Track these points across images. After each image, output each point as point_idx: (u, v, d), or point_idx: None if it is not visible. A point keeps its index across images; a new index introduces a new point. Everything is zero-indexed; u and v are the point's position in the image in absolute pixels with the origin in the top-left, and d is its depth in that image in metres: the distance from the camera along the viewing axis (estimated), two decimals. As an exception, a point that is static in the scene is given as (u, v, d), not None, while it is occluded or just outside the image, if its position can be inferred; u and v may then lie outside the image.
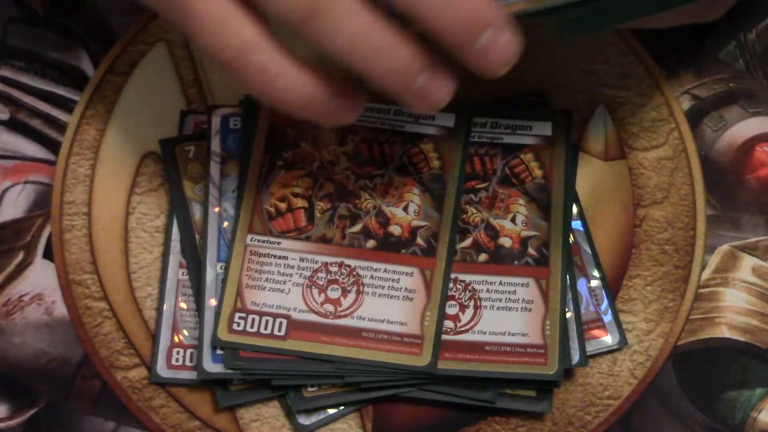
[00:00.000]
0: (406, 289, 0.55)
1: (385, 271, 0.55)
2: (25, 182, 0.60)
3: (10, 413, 0.57)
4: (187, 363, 0.56)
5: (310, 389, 0.56)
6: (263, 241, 0.56)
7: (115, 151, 0.60)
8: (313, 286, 0.55)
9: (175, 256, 0.58)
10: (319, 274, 0.55)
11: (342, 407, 0.56)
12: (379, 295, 0.55)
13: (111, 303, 0.58)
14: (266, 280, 0.55)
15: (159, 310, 0.57)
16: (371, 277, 0.55)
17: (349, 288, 0.55)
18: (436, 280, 0.55)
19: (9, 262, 0.59)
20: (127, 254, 0.58)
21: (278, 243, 0.56)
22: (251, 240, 0.56)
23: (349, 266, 0.55)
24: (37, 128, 0.61)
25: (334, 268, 0.55)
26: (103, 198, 0.59)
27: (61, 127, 0.60)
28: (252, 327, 0.54)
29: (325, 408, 0.56)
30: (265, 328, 0.54)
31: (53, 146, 0.60)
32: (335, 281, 0.55)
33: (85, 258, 0.58)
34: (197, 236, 0.57)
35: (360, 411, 0.57)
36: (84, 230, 0.59)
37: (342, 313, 0.55)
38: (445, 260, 0.55)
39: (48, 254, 0.59)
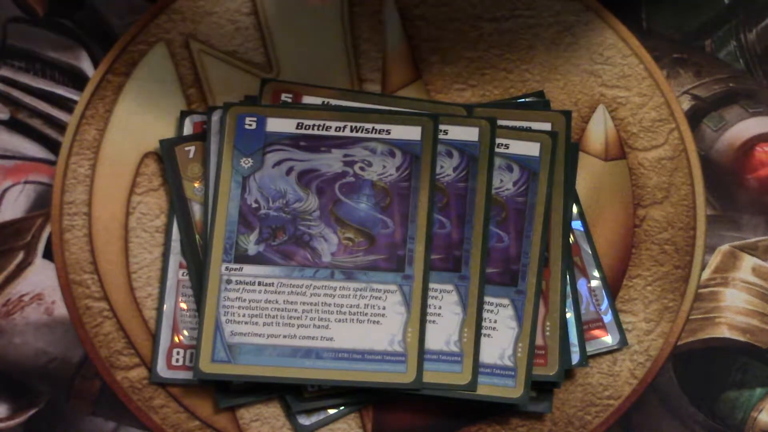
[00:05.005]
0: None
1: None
2: (25, 182, 0.60)
3: (10, 413, 0.57)
4: (187, 363, 0.56)
5: (310, 389, 0.56)
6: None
7: (115, 151, 0.60)
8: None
9: (175, 256, 0.58)
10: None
11: (342, 407, 0.56)
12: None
13: (111, 303, 0.58)
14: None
15: (159, 310, 0.57)
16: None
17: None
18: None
19: (9, 262, 0.59)
20: (127, 254, 0.58)
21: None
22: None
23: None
24: (37, 128, 0.61)
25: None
26: (103, 198, 0.59)
27: (61, 127, 0.60)
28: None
29: (325, 408, 0.56)
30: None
31: (53, 146, 0.60)
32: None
33: (85, 258, 0.58)
34: (197, 236, 0.57)
35: (360, 411, 0.57)
36: (84, 230, 0.59)
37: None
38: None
39: (48, 254, 0.59)
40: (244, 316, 0.55)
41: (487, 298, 0.55)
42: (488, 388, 0.54)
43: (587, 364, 0.56)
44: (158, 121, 0.60)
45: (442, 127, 0.57)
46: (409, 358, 0.54)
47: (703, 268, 0.59)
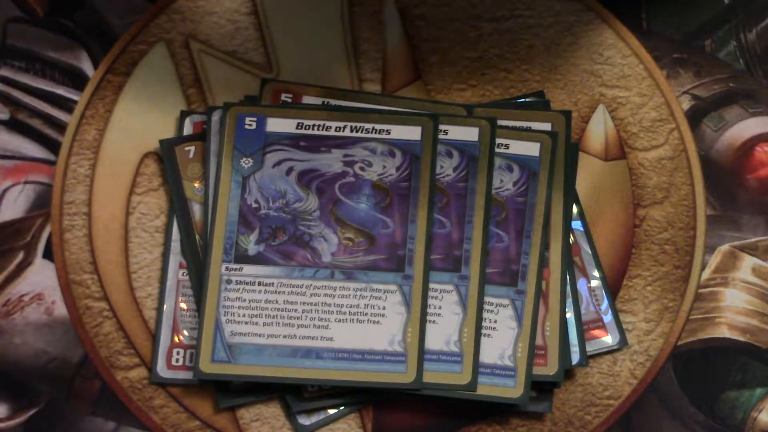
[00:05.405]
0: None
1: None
2: (25, 182, 0.60)
3: (10, 413, 0.57)
4: (187, 363, 0.56)
5: (310, 389, 0.56)
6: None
7: (115, 151, 0.60)
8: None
9: (175, 256, 0.58)
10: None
11: (342, 407, 0.56)
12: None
13: (111, 303, 0.58)
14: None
15: (159, 310, 0.57)
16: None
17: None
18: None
19: (9, 262, 0.59)
20: (127, 254, 0.58)
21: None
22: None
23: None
24: (37, 128, 0.61)
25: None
26: (103, 198, 0.59)
27: (61, 127, 0.60)
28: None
29: (325, 408, 0.56)
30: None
31: (53, 146, 0.60)
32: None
33: (85, 258, 0.58)
34: (197, 236, 0.57)
35: (360, 411, 0.57)
36: (84, 230, 0.59)
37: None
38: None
39: (48, 254, 0.59)
40: (244, 316, 0.55)
41: (487, 298, 0.55)
42: (488, 388, 0.54)
43: (587, 364, 0.56)
44: (158, 121, 0.60)
45: (442, 127, 0.57)
46: (409, 358, 0.54)
47: (703, 268, 0.59)
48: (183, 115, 0.60)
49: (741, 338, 0.59)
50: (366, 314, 0.55)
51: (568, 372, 0.57)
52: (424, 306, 0.55)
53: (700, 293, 0.59)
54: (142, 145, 0.60)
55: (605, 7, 0.62)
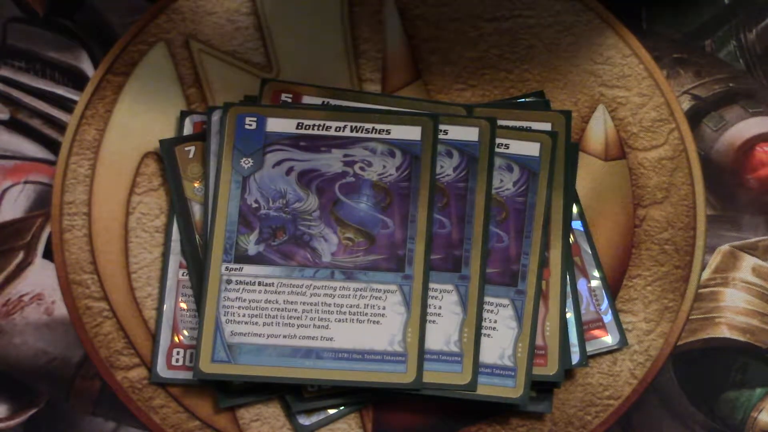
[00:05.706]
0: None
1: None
2: (25, 182, 0.60)
3: (10, 413, 0.57)
4: (187, 363, 0.56)
5: (310, 389, 0.56)
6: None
7: (115, 151, 0.60)
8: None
9: (175, 256, 0.58)
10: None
11: (342, 407, 0.56)
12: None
13: (111, 303, 0.58)
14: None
15: (159, 310, 0.57)
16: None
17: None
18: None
19: (9, 262, 0.59)
20: (127, 254, 0.58)
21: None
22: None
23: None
24: (37, 128, 0.61)
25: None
26: (103, 198, 0.59)
27: (61, 127, 0.60)
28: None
29: (325, 408, 0.56)
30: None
31: (53, 146, 0.60)
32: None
33: (85, 258, 0.58)
34: (197, 236, 0.57)
35: (360, 411, 0.57)
36: (84, 230, 0.59)
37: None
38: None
39: (48, 254, 0.59)
40: (244, 316, 0.55)
41: (487, 298, 0.55)
42: (488, 388, 0.54)
43: (587, 364, 0.56)
44: (158, 121, 0.60)
45: (442, 127, 0.57)
46: (409, 358, 0.54)
47: (703, 268, 0.59)
48: (183, 115, 0.60)
49: (741, 338, 0.59)
50: (366, 314, 0.55)
51: (568, 372, 0.57)
52: (424, 306, 0.55)
53: (700, 293, 0.59)
54: (142, 145, 0.60)
55: (605, 7, 0.62)
